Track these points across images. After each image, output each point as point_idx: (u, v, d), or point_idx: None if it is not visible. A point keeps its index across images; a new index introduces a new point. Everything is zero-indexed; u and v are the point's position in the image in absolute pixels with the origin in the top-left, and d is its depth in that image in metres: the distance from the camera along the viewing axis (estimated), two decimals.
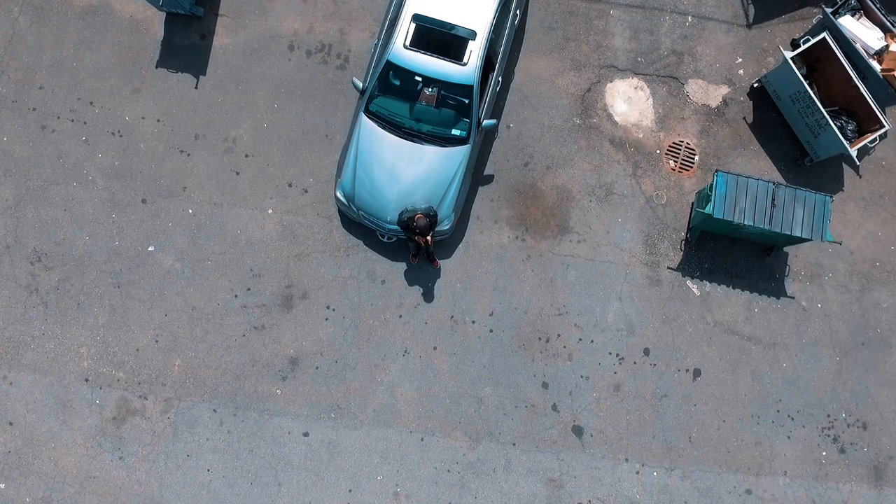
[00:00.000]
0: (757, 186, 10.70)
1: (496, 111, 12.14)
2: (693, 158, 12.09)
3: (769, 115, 12.26)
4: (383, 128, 11.07)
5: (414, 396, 11.28)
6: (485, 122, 11.20)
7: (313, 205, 11.77)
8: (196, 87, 11.98)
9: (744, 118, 12.25)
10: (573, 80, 12.25)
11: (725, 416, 11.44)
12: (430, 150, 11.03)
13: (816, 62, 11.51)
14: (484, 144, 12.02)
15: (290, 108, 11.97)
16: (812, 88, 11.43)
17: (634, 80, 12.27)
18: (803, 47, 11.20)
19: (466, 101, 10.92)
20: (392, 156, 11.03)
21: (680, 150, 12.12)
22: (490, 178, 11.96)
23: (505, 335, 11.49)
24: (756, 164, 12.13)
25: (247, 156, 11.88)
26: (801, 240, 10.93)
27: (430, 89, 10.82)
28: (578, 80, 12.25)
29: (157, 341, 11.32)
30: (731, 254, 11.93)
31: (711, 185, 10.93)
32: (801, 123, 11.79)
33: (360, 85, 11.05)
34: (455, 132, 11.08)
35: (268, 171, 11.83)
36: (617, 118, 12.14)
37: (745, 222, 10.67)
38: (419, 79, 10.84)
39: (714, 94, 12.27)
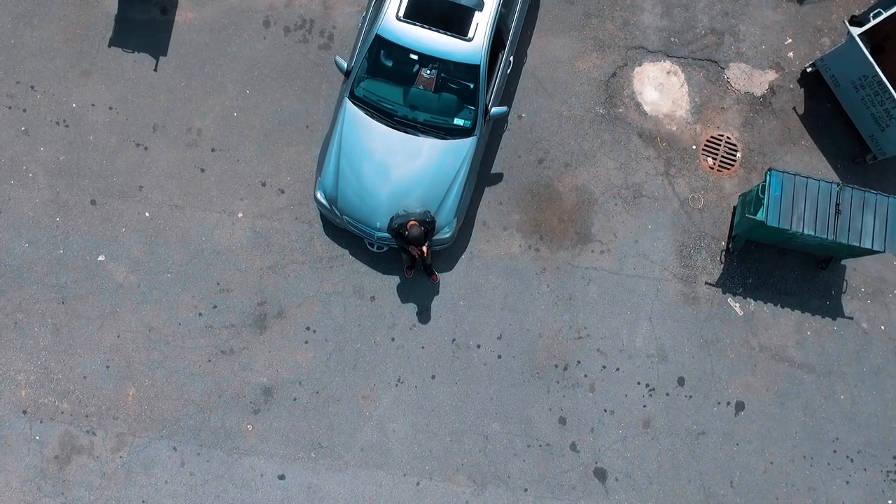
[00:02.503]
0: (818, 188, 10.31)
1: (506, 98, 11.82)
2: (734, 155, 11.85)
3: (823, 105, 11.98)
4: (371, 116, 10.82)
5: (408, 433, 11.07)
6: (493, 111, 10.88)
7: (291, 208, 11.53)
8: (155, 70, 11.81)
9: (794, 108, 11.97)
10: (596, 62, 12.03)
11: (773, 456, 11.16)
12: (427, 142, 10.76)
13: (885, 41, 11.13)
14: (491, 137, 11.75)
15: (265, 95, 11.79)
16: None
17: (667, 64, 12.08)
18: (873, 22, 10.65)
19: (471, 85, 10.61)
20: (382, 149, 10.77)
21: (719, 145, 11.88)
22: (499, 178, 11.75)
23: (515, 362, 11.29)
24: (808, 162, 11.83)
25: (213, 150, 11.66)
26: (866, 252, 10.45)
27: (427, 70, 10.54)
28: (602, 62, 12.03)
29: (107, 367, 11.08)
30: (780, 267, 11.64)
31: (762, 186, 10.50)
32: (864, 114, 11.33)
33: (345, 65, 10.73)
34: (458, 122, 10.78)
35: (238, 168, 11.63)
36: (646, 108, 11.96)
37: (805, 231, 10.20)
38: (415, 57, 10.55)
39: (759, 81, 12.02)
